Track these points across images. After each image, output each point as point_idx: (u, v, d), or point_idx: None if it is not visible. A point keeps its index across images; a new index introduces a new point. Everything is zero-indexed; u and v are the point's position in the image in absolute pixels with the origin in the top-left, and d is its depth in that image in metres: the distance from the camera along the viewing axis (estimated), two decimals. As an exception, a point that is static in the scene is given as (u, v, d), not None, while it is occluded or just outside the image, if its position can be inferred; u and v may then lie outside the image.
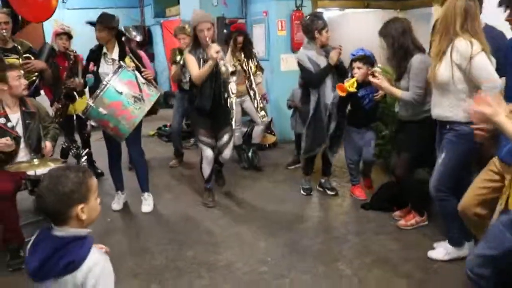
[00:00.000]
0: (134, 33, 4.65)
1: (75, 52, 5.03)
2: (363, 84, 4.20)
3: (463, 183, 3.04)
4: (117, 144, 4.34)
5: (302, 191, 4.85)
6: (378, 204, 4.37)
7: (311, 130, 4.46)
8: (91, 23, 4.19)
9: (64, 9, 10.94)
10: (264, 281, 3.21)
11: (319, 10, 7.31)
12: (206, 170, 4.54)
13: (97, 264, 1.68)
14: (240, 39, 5.47)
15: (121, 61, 4.02)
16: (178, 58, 5.60)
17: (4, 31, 4.37)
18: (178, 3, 8.23)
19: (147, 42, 11.12)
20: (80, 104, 5.04)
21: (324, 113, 4.36)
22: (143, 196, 4.55)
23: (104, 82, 3.73)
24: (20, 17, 5.19)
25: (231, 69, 3.98)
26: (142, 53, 6.01)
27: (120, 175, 4.61)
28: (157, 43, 11.10)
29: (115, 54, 4.23)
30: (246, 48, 5.56)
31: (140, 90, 3.80)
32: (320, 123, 4.40)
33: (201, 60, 4.21)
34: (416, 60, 3.53)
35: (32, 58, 4.62)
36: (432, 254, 3.41)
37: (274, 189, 5.09)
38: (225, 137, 4.49)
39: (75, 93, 4.83)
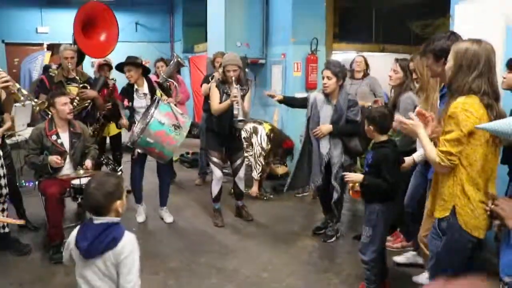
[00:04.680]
0: (182, 60, 5.46)
1: (115, 81, 5.81)
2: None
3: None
4: (142, 166, 5.13)
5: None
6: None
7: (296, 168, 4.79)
8: (118, 68, 4.92)
9: (101, 42, 11.91)
10: (264, 284, 3.80)
11: (335, 52, 8.04)
12: (215, 189, 5.14)
13: (130, 240, 2.29)
14: None
15: (156, 95, 4.76)
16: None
17: (69, 64, 5.14)
18: (206, 40, 9.01)
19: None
20: (113, 128, 5.86)
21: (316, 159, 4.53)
22: (163, 210, 5.26)
23: (149, 117, 4.36)
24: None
25: (240, 117, 4.59)
26: (180, 78, 6.82)
27: (142, 192, 5.27)
28: (185, 76, 11.93)
29: (146, 88, 4.97)
30: None
31: (177, 119, 4.46)
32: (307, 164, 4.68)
33: (224, 94, 4.89)
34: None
35: (88, 87, 5.28)
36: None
37: (282, 212, 5.67)
38: (239, 160, 5.15)
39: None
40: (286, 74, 7.42)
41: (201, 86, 6.52)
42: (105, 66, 5.89)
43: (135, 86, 4.93)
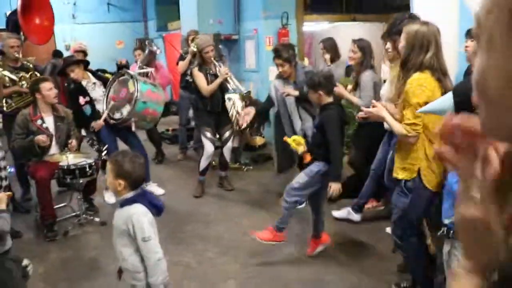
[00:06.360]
0: (155, 47, 5.59)
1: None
2: None
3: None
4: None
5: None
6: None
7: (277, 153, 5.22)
8: (59, 73, 5.10)
9: (74, 24, 11.87)
10: (245, 247, 4.14)
11: (308, 23, 8.24)
12: (204, 163, 5.41)
13: None
14: None
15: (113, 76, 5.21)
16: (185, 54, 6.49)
17: (16, 53, 5.17)
18: (179, 18, 9.14)
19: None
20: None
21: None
22: (149, 184, 5.48)
23: (135, 83, 4.78)
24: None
25: (241, 88, 4.98)
26: (159, 63, 7.07)
27: None
28: (160, 55, 12.00)
29: (92, 78, 5.19)
30: None
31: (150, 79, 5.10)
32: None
33: (208, 75, 5.17)
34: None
35: (38, 74, 5.30)
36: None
37: (261, 181, 6.01)
38: (228, 133, 5.45)
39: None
40: (259, 49, 7.66)
41: (177, 64, 6.73)
42: (79, 52, 6.07)
43: (82, 82, 5.08)
